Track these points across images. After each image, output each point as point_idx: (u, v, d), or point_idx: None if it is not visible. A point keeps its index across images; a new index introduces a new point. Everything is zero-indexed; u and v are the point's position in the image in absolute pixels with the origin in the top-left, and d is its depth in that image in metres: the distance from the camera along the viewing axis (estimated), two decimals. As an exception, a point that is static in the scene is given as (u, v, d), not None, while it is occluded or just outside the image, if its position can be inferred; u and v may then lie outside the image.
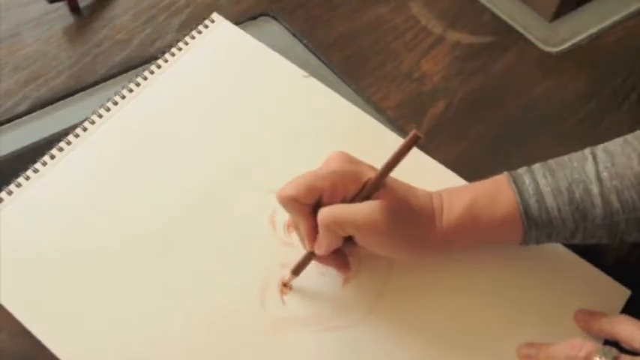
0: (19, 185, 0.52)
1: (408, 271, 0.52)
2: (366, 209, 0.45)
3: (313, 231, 0.46)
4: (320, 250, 0.47)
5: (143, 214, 0.52)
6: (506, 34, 0.67)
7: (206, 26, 0.62)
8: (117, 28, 0.63)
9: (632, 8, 0.70)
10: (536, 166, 0.49)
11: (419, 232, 0.48)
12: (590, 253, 0.54)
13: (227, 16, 0.63)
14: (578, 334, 0.50)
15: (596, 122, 0.63)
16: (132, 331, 0.48)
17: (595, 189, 0.47)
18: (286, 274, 0.50)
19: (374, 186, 0.46)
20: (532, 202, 0.47)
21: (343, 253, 0.49)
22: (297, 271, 0.50)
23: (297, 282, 0.50)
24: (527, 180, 0.48)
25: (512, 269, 0.53)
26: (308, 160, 0.52)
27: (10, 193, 0.52)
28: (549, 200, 0.47)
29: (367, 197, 0.46)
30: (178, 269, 0.50)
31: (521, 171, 0.49)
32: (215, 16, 0.63)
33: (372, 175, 0.46)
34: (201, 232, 0.52)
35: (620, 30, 0.69)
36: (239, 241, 0.52)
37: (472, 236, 0.49)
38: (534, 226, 0.47)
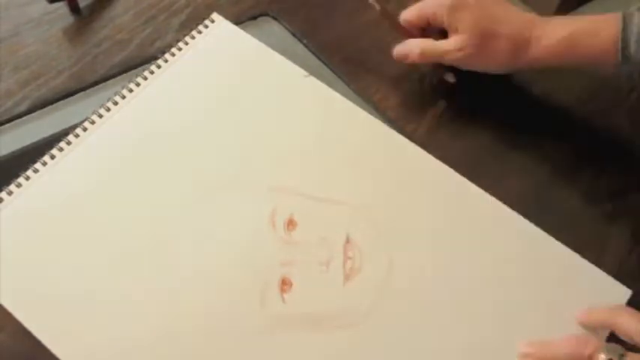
0: (19, 185, 0.52)
1: (409, 270, 0.52)
2: (449, 45, 0.57)
3: (409, 25, 0.60)
4: (407, 59, 0.60)
5: (143, 213, 0.52)
6: (506, 34, 0.67)
7: (206, 26, 0.62)
8: (117, 28, 0.64)
9: (632, 8, 0.70)
10: None
11: (507, 56, 0.56)
12: (590, 251, 0.54)
13: (227, 16, 0.63)
14: (578, 333, 0.50)
15: (596, 122, 0.63)
16: (132, 331, 0.48)
17: None
18: (287, 272, 0.50)
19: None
20: (633, 40, 0.52)
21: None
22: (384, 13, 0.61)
23: (297, 281, 0.50)
24: (636, 19, 0.52)
25: (512, 268, 0.53)
26: (308, 159, 0.53)
27: (10, 193, 0.52)
28: None
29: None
30: (178, 268, 0.50)
31: (634, 9, 0.53)
32: (215, 16, 0.63)
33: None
34: (201, 232, 0.52)
35: (619, 30, 0.69)
36: (239, 241, 0.52)
37: (564, 62, 0.55)
38: (627, 61, 0.52)
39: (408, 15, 0.59)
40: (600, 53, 0.53)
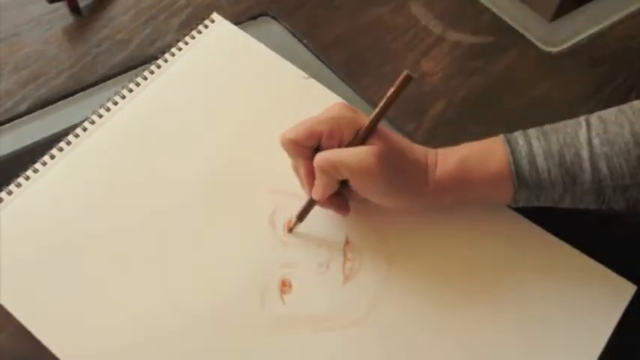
0: (19, 185, 0.52)
1: (408, 271, 0.52)
2: (360, 153, 0.47)
3: (312, 174, 0.49)
4: (317, 195, 0.49)
5: (143, 214, 0.52)
6: (506, 34, 0.67)
7: (206, 26, 0.62)
8: (117, 28, 0.64)
9: (632, 8, 0.70)
10: (532, 130, 0.51)
11: (411, 181, 0.49)
12: (593, 247, 0.53)
13: (227, 16, 0.63)
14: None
15: (596, 122, 0.63)
16: (132, 331, 0.48)
17: (585, 154, 0.48)
18: (287, 273, 0.50)
19: (368, 129, 0.48)
20: (524, 162, 0.49)
21: (342, 196, 0.51)
22: (301, 216, 0.51)
23: (297, 282, 0.50)
24: (520, 141, 0.50)
25: (513, 266, 0.53)
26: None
27: (10, 193, 0.52)
28: (540, 162, 0.49)
29: (362, 143, 0.48)
30: (178, 269, 0.50)
31: (517, 133, 0.51)
32: (215, 16, 0.63)
33: (366, 119, 0.49)
34: (201, 232, 0.52)
35: (620, 30, 0.69)
36: (239, 241, 0.52)
37: (463, 191, 0.50)
38: (524, 186, 0.49)
39: (294, 134, 0.48)
40: (494, 176, 0.49)
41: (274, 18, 0.66)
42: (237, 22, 0.64)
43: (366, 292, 0.51)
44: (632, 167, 0.47)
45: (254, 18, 0.66)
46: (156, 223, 0.52)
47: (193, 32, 0.61)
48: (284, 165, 0.52)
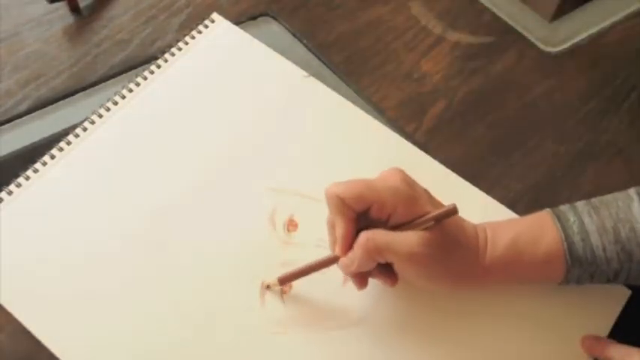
0: (19, 185, 0.52)
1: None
2: (410, 240, 0.44)
3: (349, 237, 0.45)
4: (349, 269, 0.46)
5: (143, 214, 0.52)
6: (506, 34, 0.67)
7: (206, 26, 0.62)
8: (117, 28, 0.64)
9: (632, 8, 0.70)
10: (580, 204, 0.49)
11: (460, 266, 0.47)
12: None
13: (227, 16, 0.63)
14: (576, 335, 0.50)
15: (596, 122, 0.63)
16: (131, 331, 0.48)
17: None
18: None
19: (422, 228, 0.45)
20: (577, 239, 0.47)
21: (390, 266, 0.47)
22: (309, 270, 0.48)
23: (297, 281, 0.50)
24: (571, 218, 0.48)
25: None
26: (308, 160, 0.53)
27: (10, 193, 0.52)
28: (594, 238, 0.47)
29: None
30: (178, 269, 0.50)
31: (564, 208, 0.49)
32: (215, 16, 0.63)
33: (425, 199, 0.46)
34: (201, 232, 0.52)
35: (620, 30, 0.69)
36: (239, 241, 0.52)
37: (514, 272, 0.48)
38: (578, 264, 0.47)
39: (342, 190, 0.44)
40: (546, 256, 0.47)
41: (274, 18, 0.66)
42: (237, 22, 0.64)
43: (366, 293, 0.51)
44: None
45: (254, 18, 0.66)
46: (156, 223, 0.52)
47: (193, 32, 0.61)
48: (284, 164, 0.52)
